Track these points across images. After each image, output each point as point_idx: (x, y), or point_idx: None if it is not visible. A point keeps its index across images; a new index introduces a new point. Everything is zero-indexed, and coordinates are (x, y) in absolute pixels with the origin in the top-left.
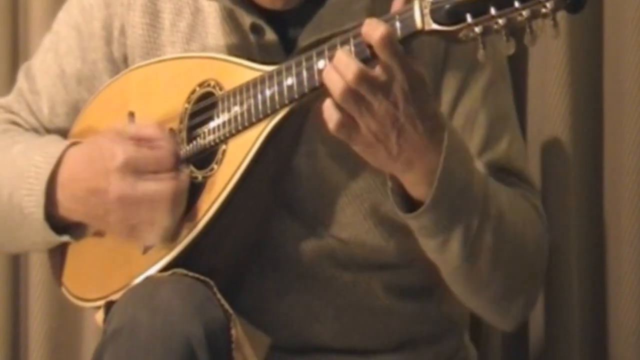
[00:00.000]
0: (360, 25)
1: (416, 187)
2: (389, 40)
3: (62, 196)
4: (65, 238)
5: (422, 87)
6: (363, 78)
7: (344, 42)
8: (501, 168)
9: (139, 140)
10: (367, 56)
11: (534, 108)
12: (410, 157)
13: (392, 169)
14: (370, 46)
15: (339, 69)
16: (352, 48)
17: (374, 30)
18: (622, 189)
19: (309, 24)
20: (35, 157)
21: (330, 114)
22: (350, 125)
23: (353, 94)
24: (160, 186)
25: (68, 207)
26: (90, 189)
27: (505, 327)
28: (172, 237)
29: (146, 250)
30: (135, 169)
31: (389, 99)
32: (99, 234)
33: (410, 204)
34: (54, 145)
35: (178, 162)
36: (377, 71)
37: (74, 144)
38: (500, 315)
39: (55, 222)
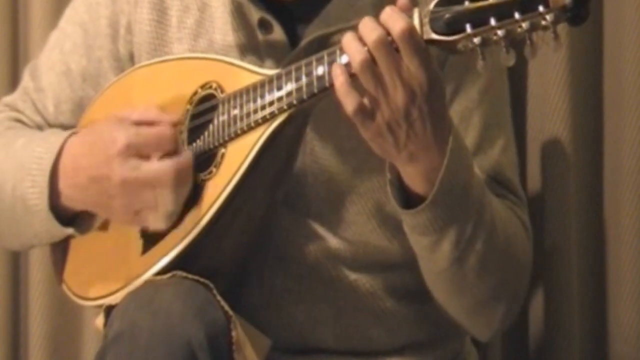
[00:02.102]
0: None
1: (415, 182)
2: (410, 34)
3: (65, 185)
4: (70, 230)
5: (438, 86)
6: (385, 43)
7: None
8: (492, 177)
9: (139, 122)
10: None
11: (534, 108)
12: (414, 150)
13: (395, 159)
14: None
15: (362, 32)
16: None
17: (394, 21)
18: (622, 189)
19: (316, 18)
20: (37, 148)
21: (348, 95)
22: (367, 110)
23: (373, 67)
24: (162, 166)
25: (71, 197)
26: (92, 177)
27: (480, 336)
28: (176, 221)
29: (145, 244)
30: (136, 152)
31: (406, 88)
32: (102, 230)
33: (407, 200)
34: (55, 136)
35: (179, 143)
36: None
37: (74, 133)
38: (477, 324)
39: (60, 213)
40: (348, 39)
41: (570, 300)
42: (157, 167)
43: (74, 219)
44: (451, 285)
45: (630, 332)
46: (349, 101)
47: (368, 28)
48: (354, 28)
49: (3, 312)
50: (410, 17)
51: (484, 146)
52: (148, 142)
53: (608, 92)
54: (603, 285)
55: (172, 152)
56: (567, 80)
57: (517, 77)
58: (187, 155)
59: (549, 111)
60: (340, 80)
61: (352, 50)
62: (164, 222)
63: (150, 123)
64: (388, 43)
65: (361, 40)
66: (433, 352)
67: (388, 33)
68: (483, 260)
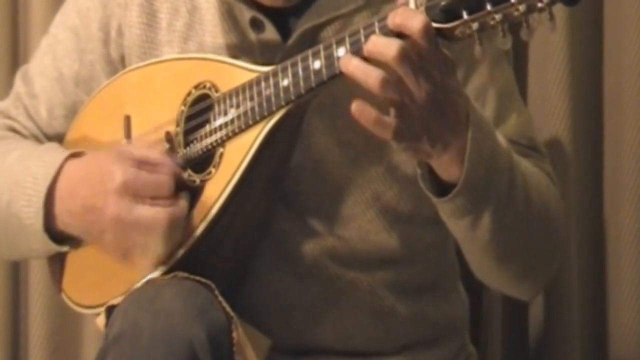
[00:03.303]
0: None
1: (449, 169)
2: (430, 29)
3: (60, 210)
4: (65, 248)
5: (450, 63)
6: (406, 54)
7: (340, 41)
8: (515, 141)
9: (140, 163)
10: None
11: (534, 108)
12: (447, 138)
13: (431, 156)
14: (398, 34)
15: (377, 51)
16: (377, 31)
17: (411, 20)
18: (622, 189)
19: (308, 11)
20: (32, 166)
21: (368, 72)
22: (388, 122)
23: (394, 81)
24: (156, 213)
25: (65, 222)
26: (87, 206)
27: (527, 297)
28: (165, 261)
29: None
30: (133, 193)
31: (429, 80)
32: None
33: (439, 189)
34: (51, 154)
35: (178, 186)
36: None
37: (73, 155)
38: (524, 287)
39: (55, 232)
40: (356, 65)
41: (570, 300)
42: (151, 212)
43: (69, 237)
44: (497, 258)
45: (630, 332)
46: (373, 77)
47: (383, 44)
48: (345, 17)
49: (3, 312)
50: (406, 6)
51: (502, 116)
52: (146, 187)
53: (608, 92)
54: (603, 285)
55: (168, 199)
56: (567, 80)
57: (517, 77)
58: (182, 204)
59: (549, 111)
60: (354, 63)
61: (367, 73)
62: (152, 264)
63: (151, 164)
64: (409, 49)
65: (369, 58)
66: (433, 352)
67: (400, 35)
68: (524, 223)
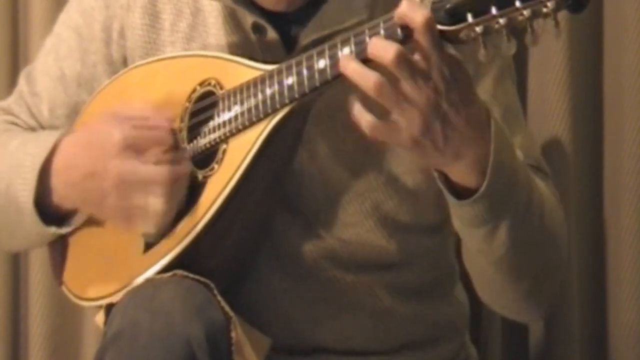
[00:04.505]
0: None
1: (465, 177)
2: (432, 24)
3: (57, 182)
4: (52, 229)
5: (463, 72)
6: (404, 59)
7: (345, 41)
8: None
9: (136, 120)
10: (398, 38)
11: (534, 108)
12: (458, 147)
13: (441, 163)
14: (404, 28)
15: (376, 54)
16: (382, 31)
17: (414, 12)
18: (622, 189)
19: (311, 22)
20: (30, 148)
21: (361, 116)
22: (386, 126)
23: (390, 85)
24: (160, 169)
25: (63, 194)
26: (87, 174)
27: (530, 319)
28: (168, 227)
29: (147, 243)
30: (134, 149)
31: (429, 85)
32: (102, 229)
33: (457, 194)
34: (48, 135)
35: (177, 143)
36: (416, 56)
37: (68, 132)
38: (531, 306)
39: (49, 212)
40: (355, 68)
41: (570, 300)
42: (154, 170)
43: (60, 219)
44: (509, 272)
45: (630, 332)
46: (369, 81)
47: (381, 47)
48: (349, 29)
49: (3, 312)
50: None
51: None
52: (144, 136)
53: (608, 92)
54: (603, 285)
55: (169, 153)
56: (567, 80)
57: (517, 78)
58: (186, 164)
59: (549, 111)
60: (352, 66)
61: (364, 76)
62: (155, 224)
63: (145, 119)
64: (407, 53)
65: (368, 60)
66: (432, 352)
67: (403, 28)
68: (537, 240)
